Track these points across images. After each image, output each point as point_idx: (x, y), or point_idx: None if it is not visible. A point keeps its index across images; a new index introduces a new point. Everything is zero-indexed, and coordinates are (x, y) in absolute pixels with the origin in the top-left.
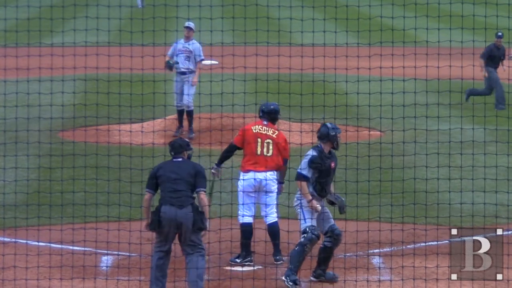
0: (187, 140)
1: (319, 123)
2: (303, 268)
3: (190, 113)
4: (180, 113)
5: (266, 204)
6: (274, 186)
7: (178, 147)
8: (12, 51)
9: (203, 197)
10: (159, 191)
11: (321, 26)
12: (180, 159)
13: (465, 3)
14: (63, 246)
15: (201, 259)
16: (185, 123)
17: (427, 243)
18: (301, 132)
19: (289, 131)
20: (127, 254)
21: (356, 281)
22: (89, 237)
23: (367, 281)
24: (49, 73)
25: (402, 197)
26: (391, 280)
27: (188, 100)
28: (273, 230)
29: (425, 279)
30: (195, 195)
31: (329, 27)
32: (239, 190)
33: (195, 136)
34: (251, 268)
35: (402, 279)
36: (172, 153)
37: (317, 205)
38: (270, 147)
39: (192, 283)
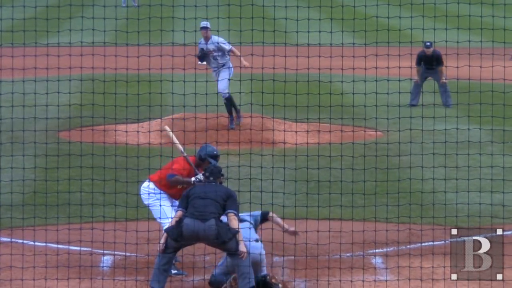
0: (221, 167)
1: (315, 123)
2: (301, 268)
3: (228, 100)
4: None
5: None
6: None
7: (217, 172)
8: (7, 51)
9: (233, 219)
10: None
11: (316, 26)
12: (214, 183)
13: (461, 3)
14: (59, 246)
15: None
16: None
17: (423, 244)
18: (296, 132)
19: (284, 131)
20: (123, 254)
21: (351, 281)
22: (85, 237)
23: (363, 281)
24: (45, 73)
25: (398, 197)
26: (386, 280)
27: (220, 87)
28: None
29: (421, 279)
30: (223, 217)
31: (324, 27)
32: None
33: (241, 120)
34: None
35: (398, 279)
36: (207, 174)
37: None
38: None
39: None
